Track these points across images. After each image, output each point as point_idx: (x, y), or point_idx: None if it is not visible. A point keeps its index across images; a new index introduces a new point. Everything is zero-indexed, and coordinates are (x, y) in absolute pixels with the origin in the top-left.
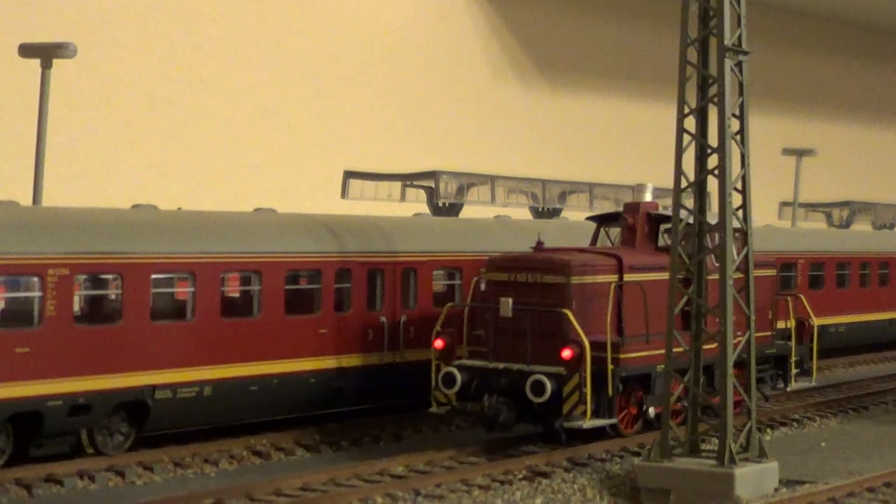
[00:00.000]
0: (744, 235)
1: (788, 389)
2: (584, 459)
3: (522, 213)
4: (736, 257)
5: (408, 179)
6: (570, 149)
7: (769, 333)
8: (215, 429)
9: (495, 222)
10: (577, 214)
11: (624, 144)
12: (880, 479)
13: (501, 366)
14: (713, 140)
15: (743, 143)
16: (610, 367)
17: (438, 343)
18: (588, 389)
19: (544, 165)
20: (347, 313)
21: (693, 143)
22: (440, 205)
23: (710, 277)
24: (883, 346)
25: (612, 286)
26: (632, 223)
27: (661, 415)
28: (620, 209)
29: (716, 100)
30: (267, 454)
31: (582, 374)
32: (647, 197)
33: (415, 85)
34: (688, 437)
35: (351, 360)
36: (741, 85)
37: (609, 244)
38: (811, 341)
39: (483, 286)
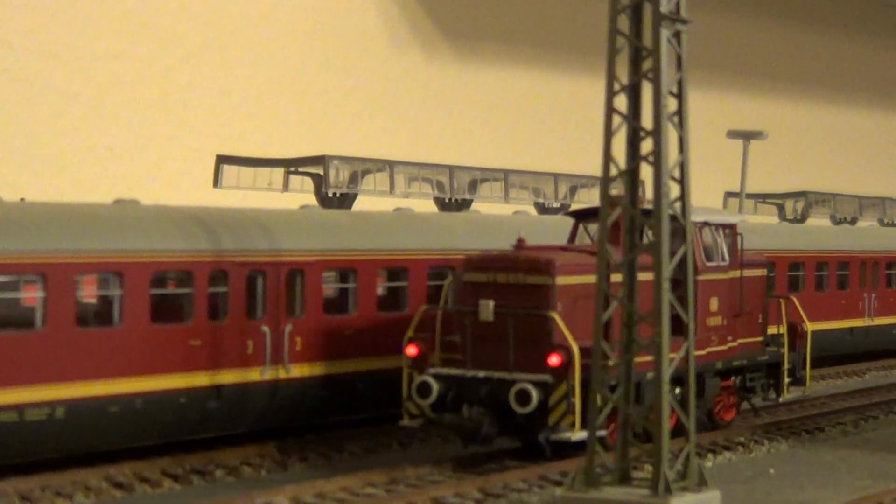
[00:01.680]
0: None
1: (781, 400)
2: (498, 489)
3: (426, 205)
4: (725, 256)
5: (291, 165)
6: (482, 130)
7: (760, 339)
8: (69, 457)
9: (396, 215)
10: (489, 206)
11: (545, 125)
12: None
13: (481, 374)
14: (647, 121)
15: (681, 125)
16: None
17: (411, 350)
18: (577, 398)
19: (452, 150)
20: (223, 322)
21: (624, 125)
22: (330, 195)
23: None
24: (841, 358)
25: None
26: (615, 220)
27: (588, 437)
28: (592, 203)
29: (650, 75)
30: (129, 486)
31: (570, 383)
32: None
33: (298, 53)
34: (617, 463)
35: (227, 377)
36: (679, 58)
37: (588, 242)
38: (804, 347)
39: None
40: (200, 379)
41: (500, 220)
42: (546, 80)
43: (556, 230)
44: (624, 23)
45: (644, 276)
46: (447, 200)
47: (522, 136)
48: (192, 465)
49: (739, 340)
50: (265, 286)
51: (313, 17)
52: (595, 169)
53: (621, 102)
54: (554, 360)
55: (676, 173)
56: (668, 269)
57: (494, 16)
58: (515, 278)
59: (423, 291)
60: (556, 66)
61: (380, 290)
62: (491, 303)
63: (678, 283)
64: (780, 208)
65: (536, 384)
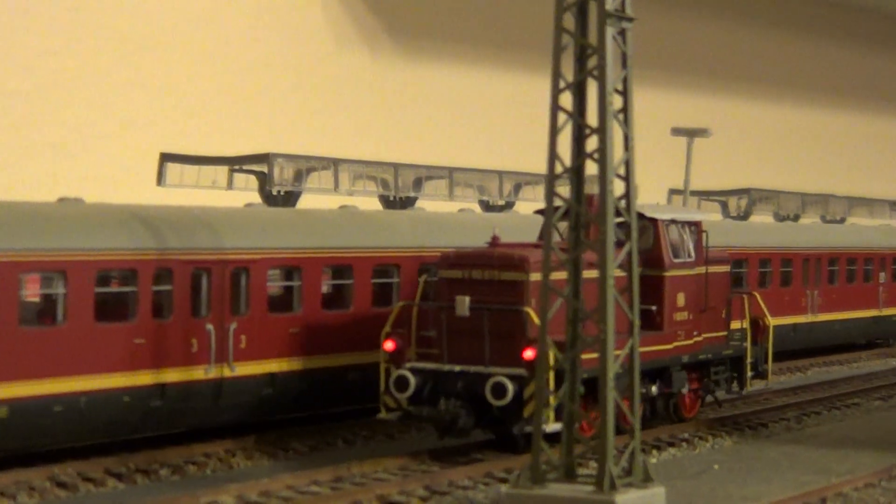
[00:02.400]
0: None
1: (744, 393)
2: (443, 487)
3: (371, 203)
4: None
5: (236, 164)
6: (427, 128)
7: (724, 333)
8: (11, 457)
9: (341, 213)
10: (434, 204)
11: (490, 123)
12: None
13: (458, 368)
14: (592, 119)
15: (626, 123)
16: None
17: (389, 345)
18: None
19: (397, 147)
20: (168, 320)
21: (570, 123)
22: (274, 193)
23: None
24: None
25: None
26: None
27: (532, 433)
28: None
29: (596, 73)
30: (73, 485)
31: (545, 376)
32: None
33: (243, 51)
34: (563, 459)
35: (171, 375)
36: (624, 56)
37: (558, 239)
38: (766, 342)
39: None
40: (144, 378)
41: (445, 217)
42: (491, 78)
43: (501, 228)
44: (569, 20)
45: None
46: (392, 198)
47: (467, 133)
48: (136, 464)
49: (705, 335)
50: (210, 284)
51: (257, 15)
52: (540, 166)
53: (567, 100)
54: (529, 353)
55: (622, 170)
56: (612, 266)
57: (439, 13)
58: (490, 275)
59: (368, 289)
60: (501, 64)
61: (325, 288)
62: (467, 298)
63: (647, 279)
64: (724, 205)
65: (512, 378)
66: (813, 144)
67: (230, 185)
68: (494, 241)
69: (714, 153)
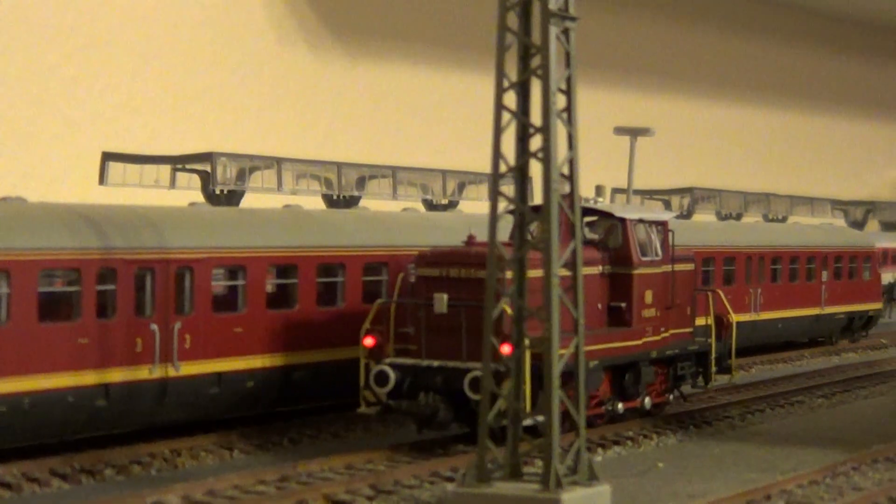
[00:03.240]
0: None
1: (709, 387)
2: (389, 486)
3: (315, 202)
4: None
5: (179, 163)
6: (370, 127)
7: (689, 330)
8: None
9: (285, 213)
10: (378, 203)
11: (433, 122)
12: (724, 503)
13: (436, 363)
14: (536, 118)
15: (570, 122)
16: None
17: (369, 341)
18: (527, 385)
19: (340, 146)
20: (112, 320)
21: (514, 122)
22: (217, 192)
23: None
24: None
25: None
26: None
27: (479, 433)
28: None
29: (539, 72)
30: (17, 486)
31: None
32: (605, 199)
33: (185, 49)
34: (508, 458)
35: (116, 375)
36: (568, 55)
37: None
38: (730, 338)
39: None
40: (88, 378)
41: (389, 216)
42: (435, 77)
43: (446, 227)
44: (513, 20)
45: (588, 271)
46: (335, 197)
47: (411, 132)
48: (81, 464)
49: (671, 331)
50: (154, 284)
51: (199, 13)
52: (484, 165)
53: (510, 99)
54: (506, 349)
55: (565, 169)
56: (557, 265)
57: (382, 12)
58: (467, 272)
59: (313, 289)
60: (445, 63)
61: (269, 288)
62: (445, 296)
63: (616, 277)
64: (667, 204)
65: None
66: (755, 144)
67: (173, 185)
68: (470, 241)
69: (657, 152)
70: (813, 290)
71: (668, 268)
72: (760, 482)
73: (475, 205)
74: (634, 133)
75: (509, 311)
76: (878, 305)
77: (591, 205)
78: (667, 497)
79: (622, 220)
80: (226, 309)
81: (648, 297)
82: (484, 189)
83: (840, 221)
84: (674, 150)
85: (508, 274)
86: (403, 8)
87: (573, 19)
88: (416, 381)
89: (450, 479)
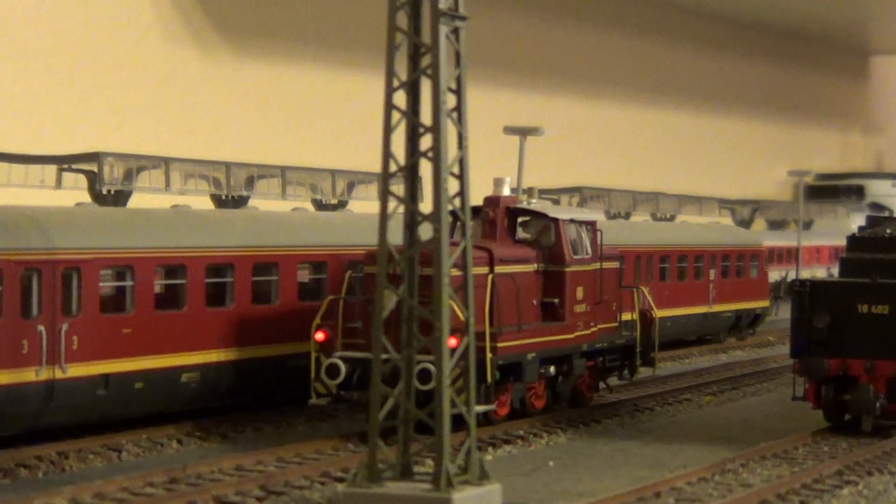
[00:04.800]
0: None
1: (634, 378)
2: (279, 487)
3: (203, 202)
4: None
5: (65, 163)
6: (259, 126)
7: (615, 325)
8: None
9: (173, 213)
10: (267, 203)
11: (322, 121)
12: (614, 501)
13: (385, 356)
14: (426, 118)
15: (460, 121)
16: (489, 355)
17: (319, 335)
18: (472, 376)
19: (228, 146)
20: None
21: (404, 122)
22: (105, 192)
23: (570, 270)
24: None
25: (489, 278)
26: (493, 217)
27: (369, 434)
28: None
29: (429, 72)
30: None
31: (466, 362)
32: (506, 191)
33: (70, 47)
34: (399, 457)
35: (1, 377)
36: (458, 55)
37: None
38: (653, 332)
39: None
40: None
41: (279, 216)
42: (324, 76)
43: (334, 227)
44: (403, 19)
45: (525, 268)
46: (224, 197)
47: (300, 132)
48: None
49: (599, 326)
50: (40, 285)
51: (84, 10)
52: (374, 165)
53: (400, 98)
54: (452, 342)
55: (455, 169)
56: (448, 265)
57: (271, 11)
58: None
59: (202, 289)
60: (334, 62)
61: (158, 288)
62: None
63: (549, 275)
64: (556, 203)
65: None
66: (644, 143)
67: (59, 185)
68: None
69: (547, 152)
70: (701, 289)
71: (596, 265)
72: (650, 479)
73: (365, 204)
74: (524, 132)
75: (457, 307)
76: (765, 303)
77: (524, 205)
78: (557, 495)
79: (555, 221)
80: (114, 310)
81: (579, 293)
82: (374, 189)
83: (727, 220)
84: (563, 149)
85: (454, 271)
86: (292, 7)
87: (463, 19)
88: (365, 373)
89: (340, 480)
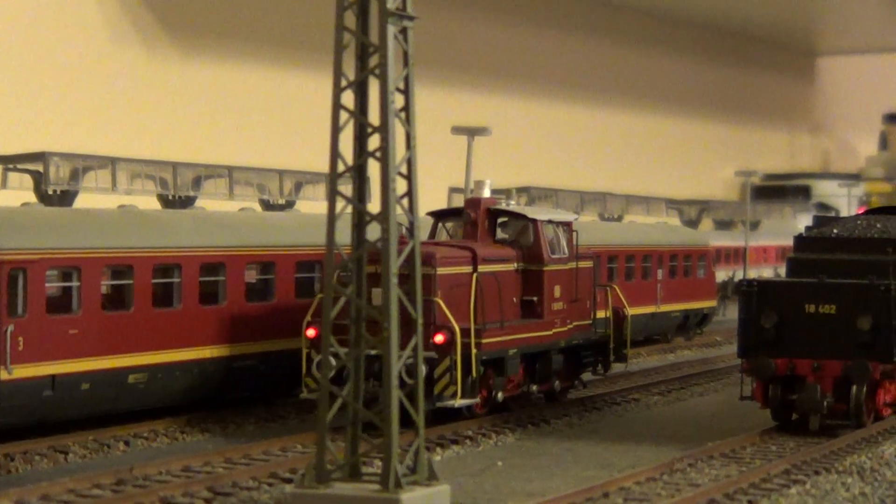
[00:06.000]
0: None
1: (607, 373)
2: (227, 488)
3: (150, 202)
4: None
5: (10, 162)
6: (206, 126)
7: (589, 322)
8: None
9: (120, 213)
10: (214, 203)
11: (270, 121)
12: (563, 501)
13: (374, 352)
14: (375, 118)
15: (408, 121)
16: (474, 350)
17: (310, 332)
18: (458, 371)
19: (175, 146)
20: None
21: (352, 121)
22: (51, 192)
23: (548, 269)
24: None
25: (473, 276)
26: (474, 218)
27: (317, 431)
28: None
29: (377, 71)
30: None
31: (453, 357)
32: (486, 193)
33: (16, 47)
34: (347, 458)
35: None
36: (406, 55)
37: (445, 237)
38: (625, 329)
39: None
40: None
41: (226, 217)
42: (271, 76)
43: (282, 227)
44: (351, 19)
45: (506, 267)
46: (171, 197)
47: (247, 132)
48: None
49: (575, 323)
50: None
51: (30, 10)
52: (322, 165)
53: (348, 98)
54: (439, 338)
55: (404, 169)
56: (395, 265)
57: (218, 11)
58: (401, 269)
59: (148, 290)
60: (282, 62)
61: (105, 289)
62: (380, 291)
63: (528, 273)
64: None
65: (424, 359)
66: (592, 143)
67: (4, 185)
68: (402, 241)
69: (495, 151)
70: (649, 289)
71: (573, 264)
72: (599, 479)
73: (313, 205)
74: (472, 132)
75: (443, 304)
76: (712, 303)
77: (503, 207)
78: (506, 495)
79: (534, 221)
80: (61, 311)
81: (557, 291)
82: (322, 189)
83: (675, 220)
84: (511, 149)
85: (440, 270)
86: (240, 7)
87: (411, 18)
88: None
89: (288, 481)
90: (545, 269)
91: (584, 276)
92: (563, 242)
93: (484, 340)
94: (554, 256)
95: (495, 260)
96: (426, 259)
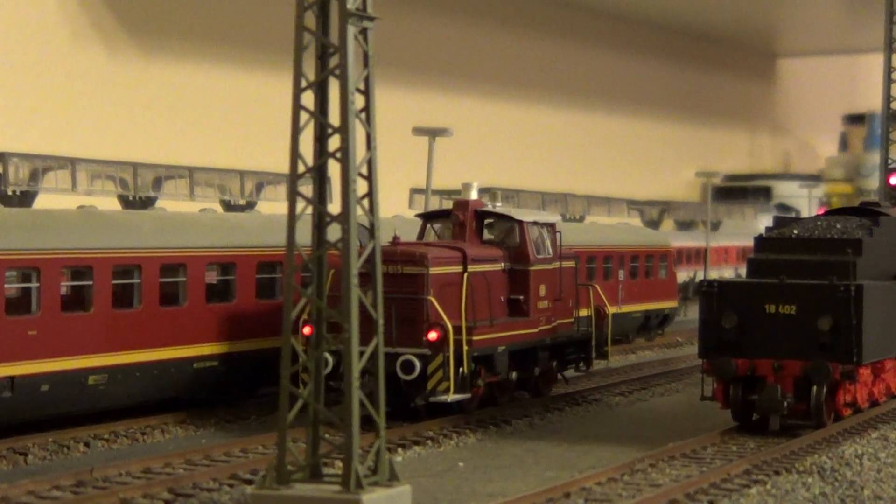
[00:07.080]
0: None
1: (589, 371)
2: (188, 489)
3: (110, 203)
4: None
5: None
6: (167, 127)
7: (571, 320)
8: None
9: (80, 214)
10: (175, 204)
11: (230, 122)
12: (524, 501)
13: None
14: (335, 118)
15: (369, 122)
16: (465, 347)
17: (307, 330)
18: (451, 367)
19: (136, 147)
20: None
21: (312, 122)
22: (9, 193)
23: (533, 268)
24: None
25: (464, 276)
26: (462, 219)
27: (277, 432)
28: (449, 207)
29: (337, 72)
30: None
31: (445, 354)
32: (474, 195)
33: None
34: (308, 459)
35: None
36: (366, 55)
37: (433, 238)
38: (606, 327)
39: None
40: None
41: (186, 217)
42: (232, 77)
43: (243, 228)
44: (311, 19)
45: (494, 267)
46: (131, 198)
47: (208, 132)
48: None
49: (558, 321)
50: None
51: None
52: (282, 166)
53: (309, 99)
54: (433, 335)
55: (364, 170)
56: (356, 266)
57: (179, 11)
58: (395, 269)
59: (108, 291)
60: (242, 63)
61: (64, 290)
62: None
63: (515, 273)
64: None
65: (417, 356)
66: (554, 144)
67: None
68: (396, 241)
69: (456, 152)
70: (610, 289)
71: (556, 264)
72: (560, 480)
73: (274, 205)
74: (433, 133)
75: (435, 303)
76: (674, 304)
77: (489, 208)
78: (466, 496)
79: (520, 223)
80: (19, 312)
81: (542, 290)
82: (282, 189)
83: (636, 221)
84: (473, 150)
85: (432, 270)
86: (200, 7)
87: (371, 19)
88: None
89: (249, 482)
90: (531, 268)
91: (567, 275)
92: (548, 243)
93: (475, 337)
94: (539, 256)
95: (484, 260)
96: (420, 259)
